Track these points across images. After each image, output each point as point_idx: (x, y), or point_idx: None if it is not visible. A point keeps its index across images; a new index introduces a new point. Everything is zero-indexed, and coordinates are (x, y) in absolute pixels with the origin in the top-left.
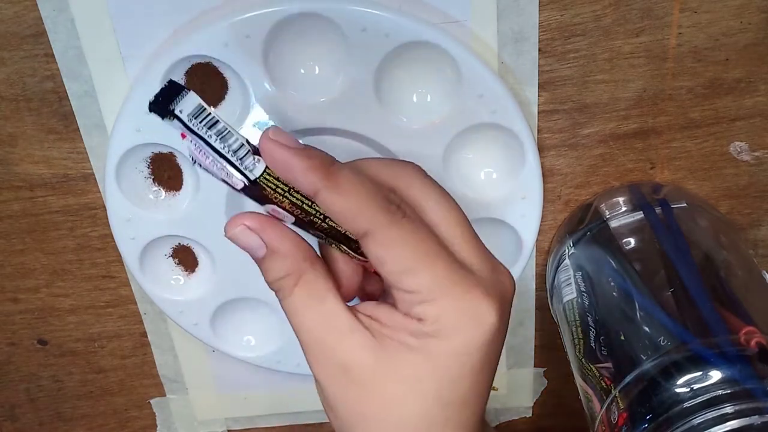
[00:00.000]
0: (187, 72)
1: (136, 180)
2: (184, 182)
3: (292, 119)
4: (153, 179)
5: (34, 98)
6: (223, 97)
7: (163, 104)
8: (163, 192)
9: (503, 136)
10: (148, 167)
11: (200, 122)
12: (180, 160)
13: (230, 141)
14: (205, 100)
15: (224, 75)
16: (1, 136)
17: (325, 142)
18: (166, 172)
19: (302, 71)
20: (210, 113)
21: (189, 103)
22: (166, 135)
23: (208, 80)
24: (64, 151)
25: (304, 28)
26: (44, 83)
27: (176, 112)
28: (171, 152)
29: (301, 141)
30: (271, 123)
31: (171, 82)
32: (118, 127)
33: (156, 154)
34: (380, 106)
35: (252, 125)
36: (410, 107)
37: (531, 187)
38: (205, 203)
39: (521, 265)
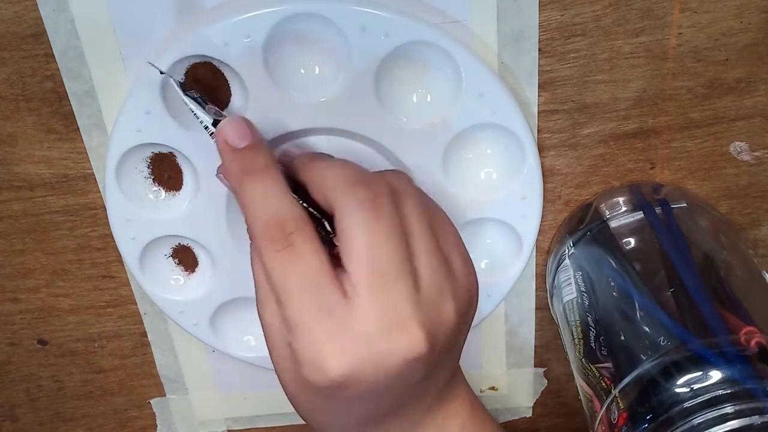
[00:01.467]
0: (187, 72)
1: (136, 180)
2: (184, 182)
3: (292, 119)
4: (153, 179)
5: (34, 98)
6: (223, 97)
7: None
8: (163, 192)
9: (503, 136)
10: (148, 167)
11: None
12: (180, 160)
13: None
14: (205, 101)
15: (224, 75)
16: (1, 136)
17: (324, 143)
18: (166, 172)
19: (302, 71)
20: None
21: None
22: (166, 135)
23: (208, 80)
24: (64, 151)
25: (304, 28)
26: (44, 83)
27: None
28: (171, 152)
29: (301, 141)
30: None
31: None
32: (118, 127)
33: (156, 154)
34: (380, 106)
35: None
36: (410, 107)
37: (531, 187)
38: (205, 203)
39: (521, 265)
